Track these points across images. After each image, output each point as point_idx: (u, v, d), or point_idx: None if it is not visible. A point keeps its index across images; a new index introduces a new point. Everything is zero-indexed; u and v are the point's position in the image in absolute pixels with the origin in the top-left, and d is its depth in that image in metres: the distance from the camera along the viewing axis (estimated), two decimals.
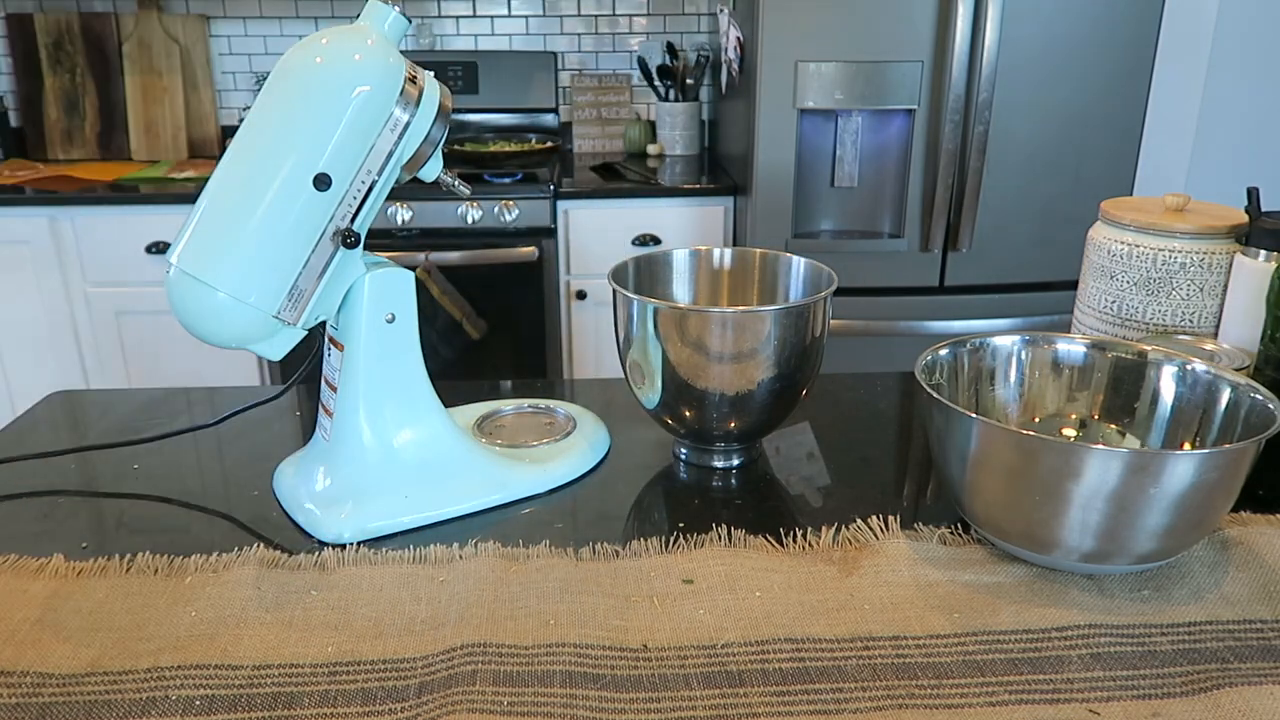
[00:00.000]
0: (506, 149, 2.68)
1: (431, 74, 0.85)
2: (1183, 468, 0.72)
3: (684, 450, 1.02)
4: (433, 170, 0.88)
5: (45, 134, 2.80)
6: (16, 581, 0.79)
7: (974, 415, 0.79)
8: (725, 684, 0.68)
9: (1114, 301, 1.14)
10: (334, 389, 0.89)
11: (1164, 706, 0.66)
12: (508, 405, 1.10)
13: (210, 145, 2.87)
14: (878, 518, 0.88)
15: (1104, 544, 0.76)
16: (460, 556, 0.83)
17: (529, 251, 2.43)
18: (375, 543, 0.86)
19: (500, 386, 1.23)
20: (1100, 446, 0.76)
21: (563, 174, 2.64)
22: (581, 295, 2.52)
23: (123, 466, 1.00)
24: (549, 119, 2.93)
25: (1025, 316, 2.32)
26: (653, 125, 2.93)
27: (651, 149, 2.87)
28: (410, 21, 0.85)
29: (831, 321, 2.32)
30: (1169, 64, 2.36)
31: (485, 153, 2.62)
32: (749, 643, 0.72)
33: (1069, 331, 1.09)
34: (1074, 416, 0.95)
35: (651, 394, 0.97)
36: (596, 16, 2.92)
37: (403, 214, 2.38)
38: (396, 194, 2.37)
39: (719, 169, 2.73)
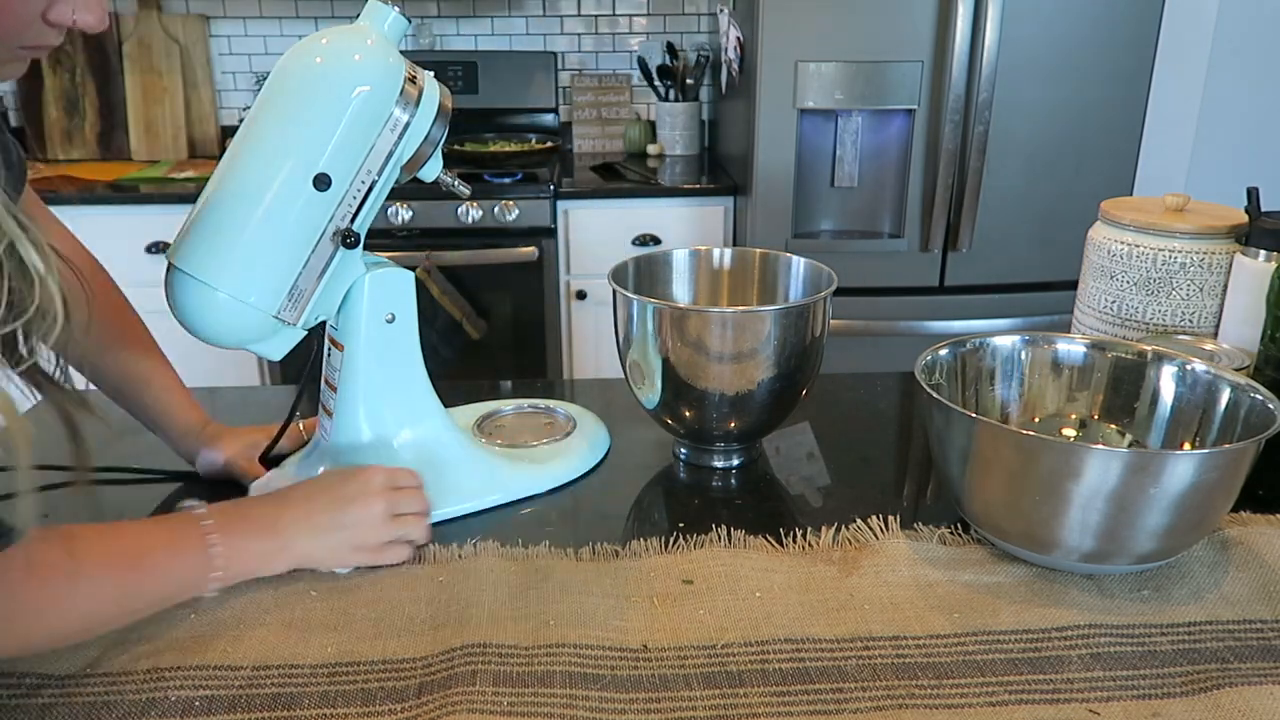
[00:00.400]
0: (506, 149, 2.67)
1: (431, 74, 0.85)
2: (1183, 468, 0.72)
3: (684, 450, 1.02)
4: (433, 170, 0.88)
5: (45, 134, 2.80)
6: None
7: (974, 415, 0.78)
8: (725, 684, 0.68)
9: (1114, 301, 1.14)
10: (334, 389, 0.89)
11: (1164, 706, 0.66)
12: (508, 405, 1.10)
13: (210, 145, 2.87)
14: (878, 518, 0.88)
15: (1104, 544, 0.76)
16: (460, 556, 0.83)
17: (529, 251, 2.43)
18: None
19: (500, 386, 1.23)
20: (1100, 446, 0.76)
21: (563, 174, 2.64)
22: (581, 295, 2.52)
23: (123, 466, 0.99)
24: (549, 119, 2.93)
25: (1025, 316, 2.31)
26: (653, 125, 2.93)
27: (651, 149, 2.86)
28: (410, 21, 0.85)
29: (831, 321, 2.31)
30: (1169, 64, 2.36)
31: (485, 153, 2.62)
32: (749, 643, 0.72)
33: (1069, 331, 1.09)
34: (1074, 416, 0.95)
35: (651, 394, 0.97)
36: (596, 16, 2.92)
37: (403, 214, 2.38)
38: (396, 194, 2.37)
39: (719, 169, 2.73)
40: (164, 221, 2.38)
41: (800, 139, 2.23)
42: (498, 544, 0.84)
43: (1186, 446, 0.87)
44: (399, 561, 0.82)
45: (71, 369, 0.70)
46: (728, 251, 1.10)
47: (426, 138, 0.83)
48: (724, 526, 0.87)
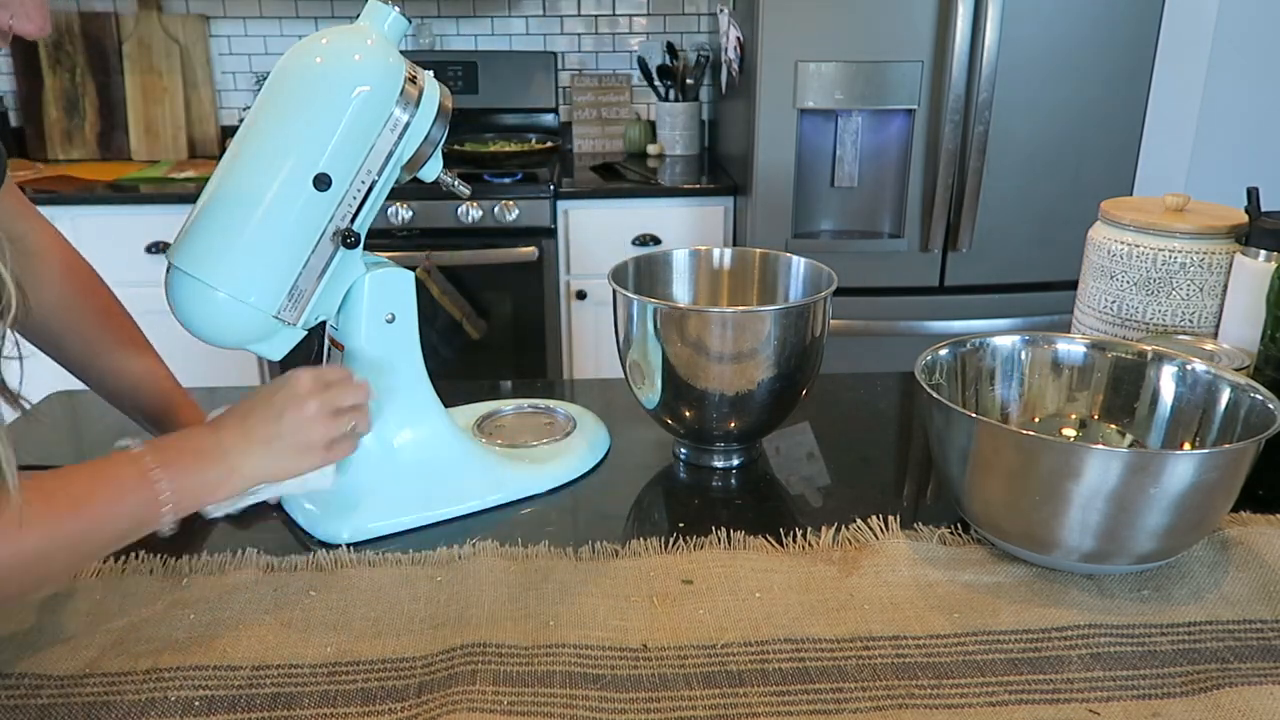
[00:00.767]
0: (506, 149, 2.68)
1: (431, 74, 0.85)
2: (1183, 468, 0.72)
3: (684, 450, 1.02)
4: (433, 170, 0.88)
5: (45, 134, 2.80)
6: None
7: (974, 415, 0.78)
8: (725, 684, 0.68)
9: (1114, 301, 1.14)
10: None
11: (1164, 706, 0.66)
12: (508, 405, 1.10)
13: (210, 145, 2.87)
14: (878, 518, 0.88)
15: (1104, 544, 0.76)
16: (460, 557, 0.83)
17: (529, 251, 2.43)
18: (374, 543, 0.86)
19: (500, 386, 1.23)
20: (1100, 446, 0.76)
21: (563, 174, 2.64)
22: (581, 295, 2.52)
23: None
24: (549, 119, 2.93)
25: (1025, 316, 2.31)
26: (653, 125, 2.93)
27: (651, 149, 2.86)
28: (410, 21, 0.85)
29: (831, 321, 2.31)
30: (1169, 64, 2.36)
31: (485, 153, 2.62)
32: (749, 643, 0.72)
33: (1069, 331, 1.09)
34: (1074, 416, 0.95)
35: (651, 394, 0.97)
36: (596, 16, 2.92)
37: (403, 214, 2.38)
38: (396, 194, 2.37)
39: (719, 169, 2.72)
40: (164, 221, 2.38)
41: (800, 139, 2.23)
42: (497, 544, 0.84)
43: (1186, 446, 0.87)
44: (348, 455, 0.82)
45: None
46: (728, 251, 1.10)
47: (426, 138, 0.83)
48: (724, 527, 0.87)
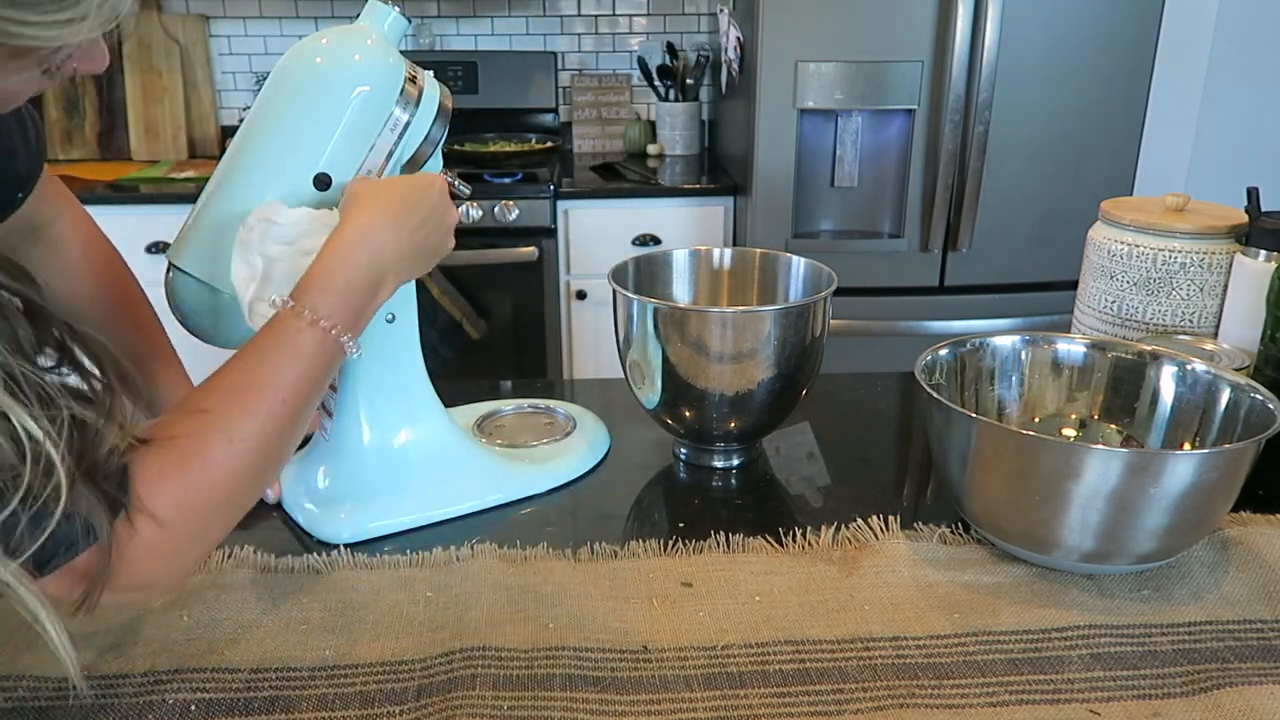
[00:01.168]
0: (506, 149, 2.67)
1: (431, 74, 0.85)
2: (1183, 468, 0.72)
3: (684, 450, 1.02)
4: (433, 170, 0.88)
5: (45, 134, 2.80)
6: None
7: (974, 415, 0.78)
8: (726, 685, 0.68)
9: (1114, 301, 1.14)
10: (334, 389, 0.89)
11: (1164, 706, 0.66)
12: (508, 405, 1.09)
13: (210, 145, 2.87)
14: (878, 518, 0.88)
15: (1104, 544, 0.76)
16: (458, 559, 0.83)
17: (529, 251, 2.43)
18: (373, 544, 0.86)
19: (500, 386, 1.23)
20: (1100, 446, 0.76)
21: (563, 174, 2.64)
22: (581, 295, 2.52)
23: None
24: (549, 119, 2.93)
25: (1025, 316, 2.31)
26: (653, 125, 2.93)
27: (651, 149, 2.86)
28: (410, 21, 0.85)
29: (831, 321, 2.31)
30: (1169, 64, 2.36)
31: (485, 153, 2.62)
32: (749, 644, 0.72)
33: (1069, 331, 1.09)
34: (1074, 416, 0.95)
35: (651, 394, 0.97)
36: (596, 16, 2.92)
37: None
38: None
39: (719, 169, 2.72)
40: (164, 221, 2.38)
41: (800, 139, 2.23)
42: (496, 546, 0.84)
43: (1186, 446, 0.87)
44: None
45: None
46: (728, 251, 1.10)
47: (426, 138, 0.83)
48: (724, 529, 0.87)
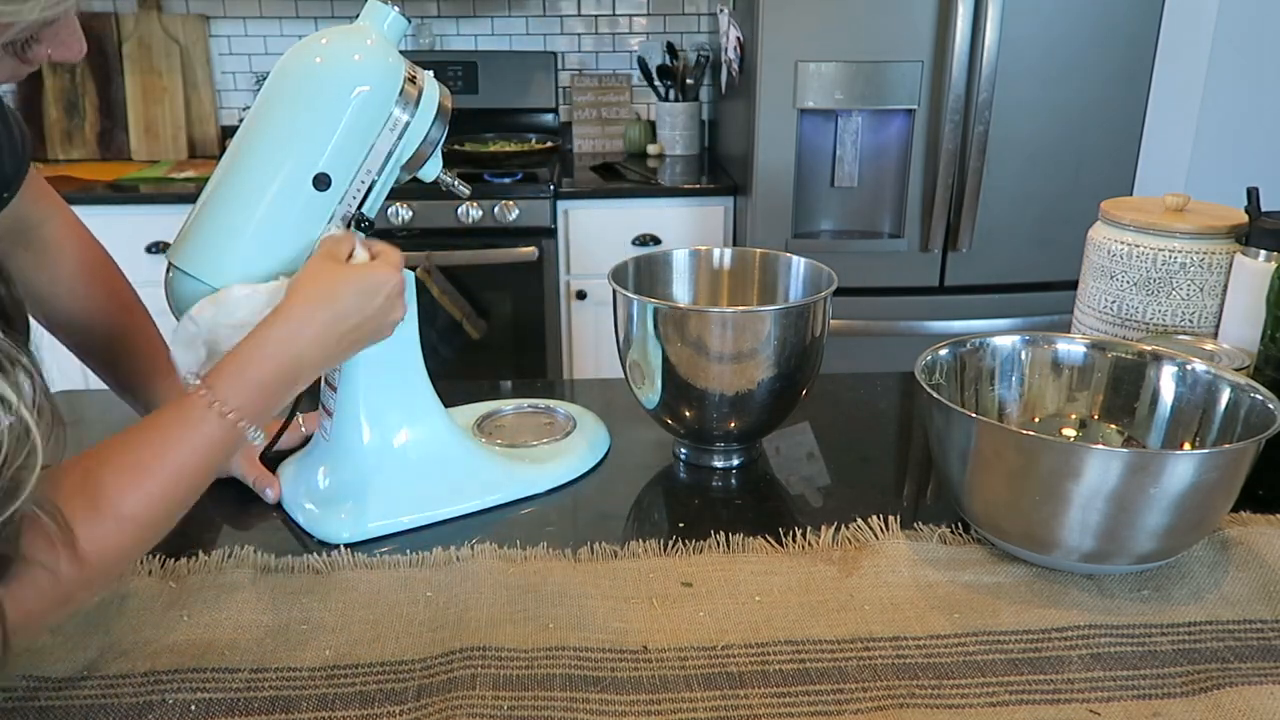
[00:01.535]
0: (506, 149, 2.67)
1: (431, 74, 0.85)
2: (1183, 468, 0.72)
3: (684, 450, 1.02)
4: (433, 170, 0.88)
5: (45, 134, 2.80)
6: None
7: (974, 415, 0.78)
8: (726, 685, 0.68)
9: (1114, 301, 1.14)
10: (334, 389, 0.89)
11: (1164, 706, 0.66)
12: (508, 405, 1.09)
13: (210, 145, 2.87)
14: (878, 518, 0.88)
15: (1104, 544, 0.76)
16: (458, 559, 0.83)
17: (529, 251, 2.43)
18: (372, 544, 0.86)
19: (500, 386, 1.23)
20: (1100, 446, 0.76)
21: (563, 174, 2.64)
22: (581, 295, 2.52)
23: None
24: (549, 119, 2.93)
25: (1025, 316, 2.31)
26: (653, 125, 2.93)
27: (651, 149, 2.86)
28: (410, 21, 0.85)
29: (831, 321, 2.31)
30: (1169, 64, 2.35)
31: (485, 153, 2.62)
32: (749, 644, 0.72)
33: (1069, 331, 1.09)
34: (1074, 416, 0.95)
35: (651, 394, 0.97)
36: (596, 16, 2.92)
37: (403, 214, 2.38)
38: (396, 194, 2.37)
39: (719, 169, 2.72)
40: (164, 221, 2.38)
41: (800, 139, 2.23)
42: (496, 546, 0.84)
43: (1186, 446, 0.87)
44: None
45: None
46: (728, 251, 1.10)
47: (426, 138, 0.83)
48: (724, 529, 0.87)
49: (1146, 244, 1.11)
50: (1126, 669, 0.70)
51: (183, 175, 2.58)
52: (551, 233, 2.45)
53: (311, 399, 0.95)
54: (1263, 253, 1.05)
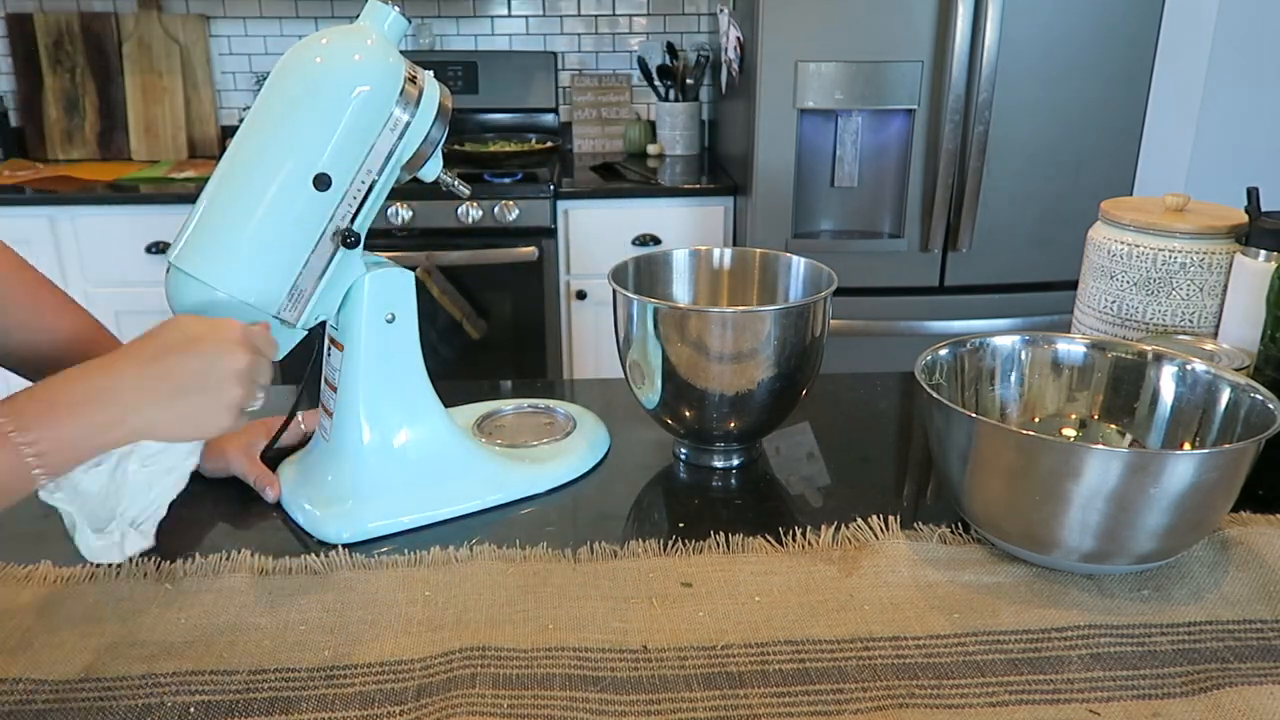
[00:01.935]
0: (506, 149, 2.67)
1: (431, 74, 0.85)
2: (1183, 468, 0.72)
3: (684, 450, 1.02)
4: (433, 170, 0.88)
5: (45, 134, 2.80)
6: (4, 589, 0.79)
7: (974, 415, 0.78)
8: (725, 685, 0.68)
9: (1114, 301, 1.14)
10: (334, 389, 0.89)
11: (1164, 706, 0.66)
12: (508, 405, 1.09)
13: (210, 145, 2.87)
14: (878, 518, 0.88)
15: (1104, 544, 0.76)
16: (457, 559, 0.83)
17: (529, 251, 2.43)
18: (371, 545, 0.86)
19: (500, 386, 1.23)
20: (1100, 446, 0.75)
21: (563, 174, 2.64)
22: (581, 295, 2.52)
23: None
24: (549, 119, 2.93)
25: (1025, 316, 2.31)
26: (653, 125, 2.93)
27: (651, 149, 2.86)
28: (410, 21, 0.85)
29: (831, 321, 2.31)
30: (1169, 64, 2.36)
31: (485, 153, 2.62)
32: (749, 644, 0.72)
33: (1069, 331, 1.09)
34: (1074, 416, 0.95)
35: (651, 394, 0.97)
36: (596, 16, 2.92)
37: (403, 214, 2.38)
38: (396, 194, 2.37)
39: (719, 169, 2.72)
40: (164, 221, 2.38)
41: (800, 139, 2.23)
42: (495, 546, 0.84)
43: (1186, 446, 0.87)
44: (234, 429, 0.71)
45: None
46: (728, 251, 1.10)
47: (426, 138, 0.83)
48: (723, 529, 0.87)
49: (1146, 244, 1.11)
50: (1126, 669, 0.70)
51: (183, 175, 2.58)
52: (551, 233, 2.45)
53: (311, 398, 0.95)
54: (1263, 253, 1.05)
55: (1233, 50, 2.54)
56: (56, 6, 2.79)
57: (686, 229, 2.53)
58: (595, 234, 2.49)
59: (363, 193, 0.81)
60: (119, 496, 0.70)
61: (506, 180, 2.45)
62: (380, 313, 0.86)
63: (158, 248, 2.39)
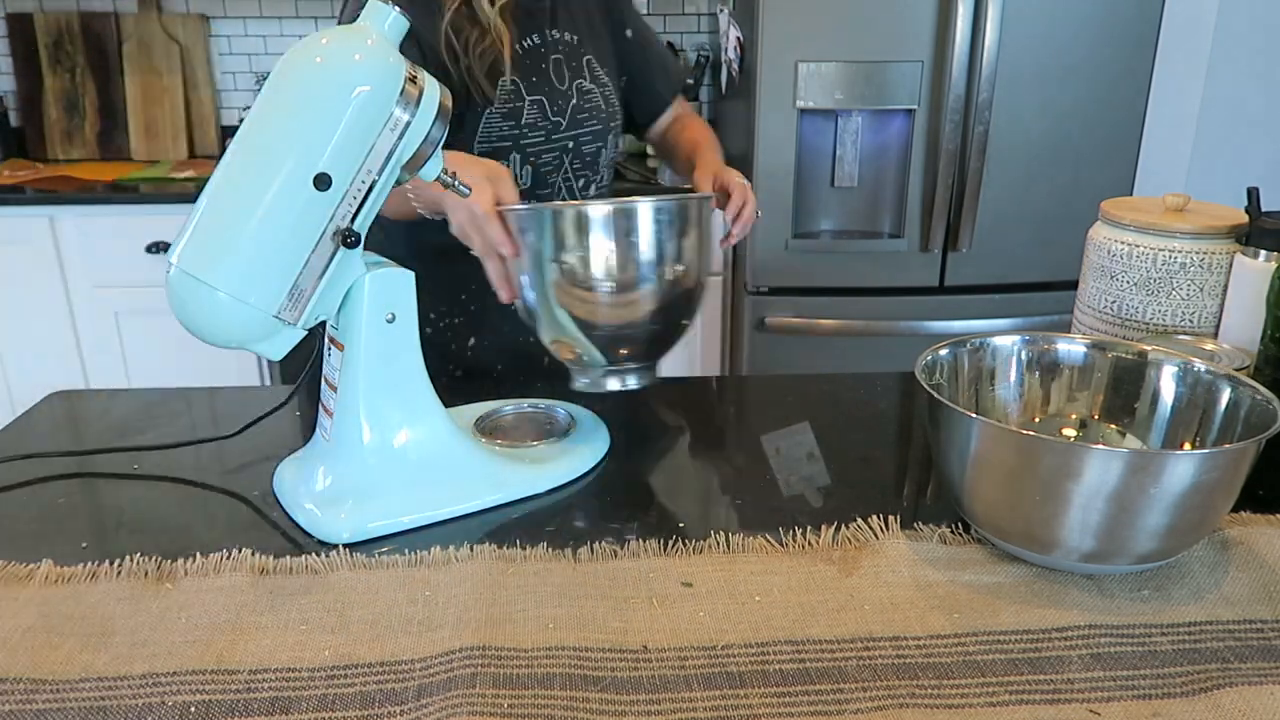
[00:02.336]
0: None
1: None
2: (1183, 468, 0.72)
3: (583, 379, 1.02)
4: (433, 170, 0.88)
5: (45, 134, 2.80)
6: (5, 588, 0.79)
7: (974, 415, 0.78)
8: (726, 685, 0.68)
9: (1114, 301, 1.14)
10: (334, 389, 0.89)
11: (1164, 706, 0.66)
12: (508, 405, 1.09)
13: (210, 145, 2.87)
14: (878, 518, 0.88)
15: (1104, 544, 0.76)
16: (457, 559, 0.83)
17: None
18: (372, 544, 0.86)
19: (500, 386, 1.22)
20: (1100, 446, 0.76)
21: None
22: None
23: (123, 466, 0.99)
24: None
25: (1025, 316, 2.31)
26: None
27: (651, 149, 2.86)
28: (410, 21, 0.85)
29: (831, 321, 2.31)
30: (1169, 64, 2.36)
31: None
32: (749, 644, 0.72)
33: (1069, 331, 1.09)
34: (1074, 416, 0.95)
35: (544, 323, 0.98)
36: None
37: None
38: None
39: None
40: (164, 221, 2.38)
41: (800, 139, 2.23)
42: (495, 546, 0.84)
43: (1186, 446, 0.87)
44: None
45: None
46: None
47: (427, 138, 0.83)
48: (723, 528, 0.87)
49: (1146, 244, 1.11)
50: (1126, 669, 0.70)
51: (183, 175, 2.58)
52: None
53: (311, 398, 0.95)
54: (1263, 253, 1.05)
55: (1233, 50, 2.54)
56: (56, 6, 2.79)
57: None
58: None
59: (363, 193, 0.81)
60: None
61: None
62: (380, 313, 0.86)
63: (158, 248, 2.39)
